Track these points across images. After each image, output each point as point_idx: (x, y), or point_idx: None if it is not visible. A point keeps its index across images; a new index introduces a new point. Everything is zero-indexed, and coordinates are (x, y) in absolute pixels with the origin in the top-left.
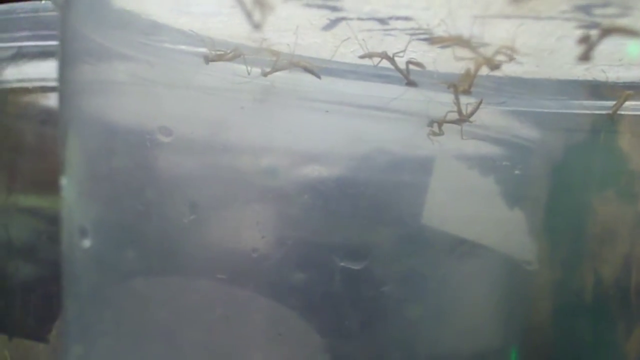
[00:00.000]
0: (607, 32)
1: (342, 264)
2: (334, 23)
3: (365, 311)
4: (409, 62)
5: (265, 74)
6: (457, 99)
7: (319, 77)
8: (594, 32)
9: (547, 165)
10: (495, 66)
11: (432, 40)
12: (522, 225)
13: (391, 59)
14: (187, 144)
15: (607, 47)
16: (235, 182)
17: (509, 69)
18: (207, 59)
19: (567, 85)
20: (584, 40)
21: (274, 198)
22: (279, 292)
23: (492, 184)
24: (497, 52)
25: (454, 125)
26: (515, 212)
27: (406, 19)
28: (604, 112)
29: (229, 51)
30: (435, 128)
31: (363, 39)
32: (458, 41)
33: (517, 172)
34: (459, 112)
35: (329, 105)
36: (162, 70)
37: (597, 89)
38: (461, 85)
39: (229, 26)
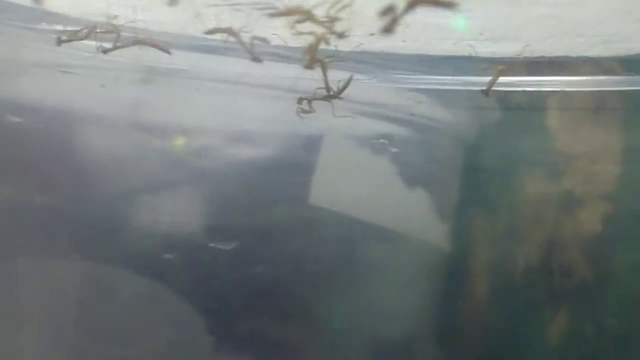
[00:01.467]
0: (414, 3)
1: (211, 244)
2: None
3: (248, 292)
4: (253, 38)
5: (105, 51)
6: (324, 75)
7: (168, 52)
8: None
9: (457, 144)
10: (339, 35)
11: (272, 13)
12: (426, 207)
13: (237, 35)
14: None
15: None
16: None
17: (376, 45)
18: (59, 39)
19: (452, 61)
20: (387, 11)
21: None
22: (154, 273)
23: (387, 164)
24: (330, 22)
25: (346, 103)
26: (417, 192)
27: None
28: (477, 88)
29: (81, 29)
30: (305, 105)
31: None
32: (299, 13)
33: (394, 150)
34: (327, 88)
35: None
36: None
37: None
38: (305, 59)
39: (81, 3)
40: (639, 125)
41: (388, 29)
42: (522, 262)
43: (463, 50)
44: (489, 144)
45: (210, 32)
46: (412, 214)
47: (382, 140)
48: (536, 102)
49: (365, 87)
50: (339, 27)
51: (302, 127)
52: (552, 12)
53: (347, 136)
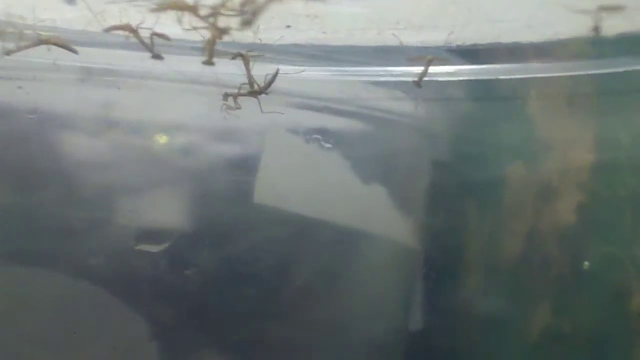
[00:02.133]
0: None
1: (137, 247)
2: None
3: (191, 296)
4: (153, 35)
5: (8, 53)
6: (247, 70)
7: (75, 52)
8: None
9: (421, 137)
10: (240, 28)
11: (153, 8)
12: (385, 202)
13: (135, 32)
14: None
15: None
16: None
17: (297, 37)
18: None
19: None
20: (247, 2)
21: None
22: (88, 277)
23: (338, 159)
24: (214, 14)
25: (290, 98)
26: (373, 187)
27: None
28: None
29: None
30: (231, 102)
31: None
32: (179, 7)
33: (327, 145)
34: (251, 83)
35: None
36: None
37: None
38: (205, 55)
39: None
40: (611, 111)
41: (248, 22)
42: (503, 254)
43: (389, 40)
44: (456, 134)
45: (109, 29)
46: (368, 210)
47: (324, 135)
48: (502, 90)
49: (303, 81)
50: (235, 20)
51: (241, 123)
52: None
53: (291, 131)
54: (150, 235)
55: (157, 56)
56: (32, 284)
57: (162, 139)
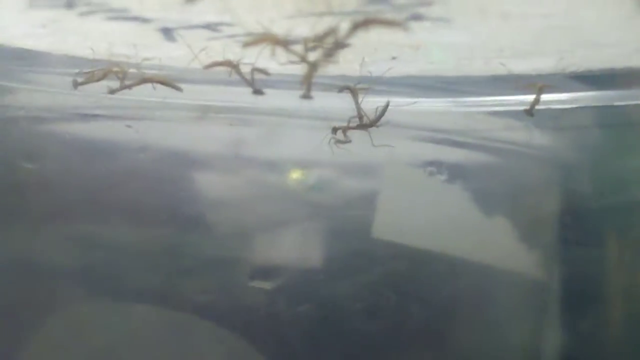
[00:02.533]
0: (359, 24)
1: (252, 284)
2: (168, 33)
3: (309, 331)
4: (254, 70)
5: (113, 92)
6: (356, 103)
7: (180, 89)
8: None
9: (548, 167)
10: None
11: (244, 42)
12: (508, 234)
13: (236, 67)
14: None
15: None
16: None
17: (404, 69)
18: (76, 83)
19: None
20: (328, 34)
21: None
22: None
23: (457, 192)
24: (309, 48)
25: (404, 130)
26: (496, 220)
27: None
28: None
29: (95, 71)
30: (340, 135)
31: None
32: (270, 40)
33: (444, 177)
34: (360, 116)
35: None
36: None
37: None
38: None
39: (82, 44)
40: None
41: (329, 55)
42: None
43: (497, 68)
44: (590, 162)
45: (210, 66)
46: (491, 243)
47: (441, 167)
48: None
49: (416, 112)
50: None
51: (355, 158)
52: (548, 23)
53: (408, 164)
54: (265, 271)
55: (258, 91)
56: (144, 320)
57: (294, 175)
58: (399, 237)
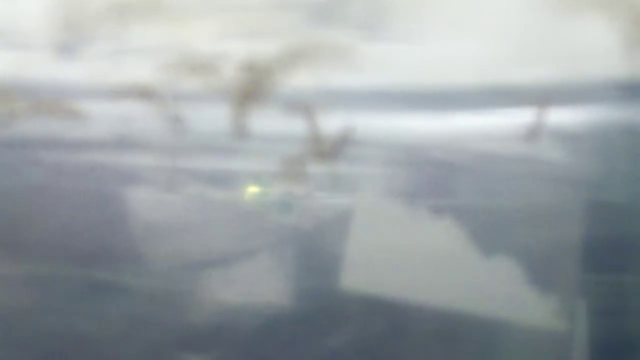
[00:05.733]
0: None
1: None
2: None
3: None
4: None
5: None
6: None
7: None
8: None
9: (561, 188)
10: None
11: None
12: (514, 279)
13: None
14: None
15: None
16: None
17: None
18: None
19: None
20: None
21: None
22: None
23: (450, 226)
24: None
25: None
26: (497, 261)
27: None
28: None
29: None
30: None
31: None
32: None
33: (432, 210)
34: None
35: None
36: None
37: None
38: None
39: None
40: None
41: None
42: None
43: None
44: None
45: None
46: (496, 289)
47: (430, 198)
48: None
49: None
50: None
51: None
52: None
53: (385, 195)
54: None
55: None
56: None
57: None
58: (374, 287)
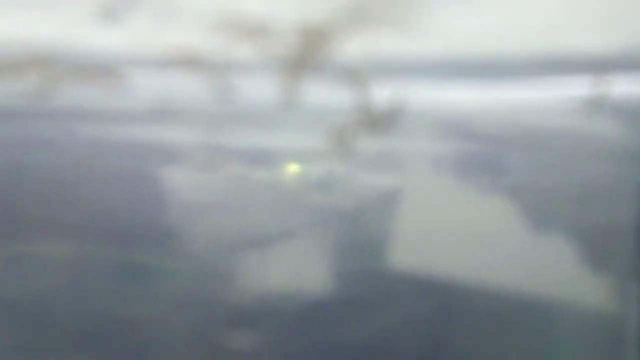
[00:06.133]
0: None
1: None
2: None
3: None
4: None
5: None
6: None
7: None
8: None
9: (622, 166)
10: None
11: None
12: (568, 259)
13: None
14: None
15: None
16: None
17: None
18: None
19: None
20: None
21: None
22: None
23: (501, 202)
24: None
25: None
26: (550, 240)
27: None
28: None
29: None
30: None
31: None
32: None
33: (480, 184)
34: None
35: None
36: None
37: None
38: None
39: None
40: None
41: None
42: None
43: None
44: None
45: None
46: (550, 268)
47: (469, 173)
48: None
49: (450, 103)
50: None
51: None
52: None
53: (436, 168)
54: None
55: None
56: None
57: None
58: (423, 269)
